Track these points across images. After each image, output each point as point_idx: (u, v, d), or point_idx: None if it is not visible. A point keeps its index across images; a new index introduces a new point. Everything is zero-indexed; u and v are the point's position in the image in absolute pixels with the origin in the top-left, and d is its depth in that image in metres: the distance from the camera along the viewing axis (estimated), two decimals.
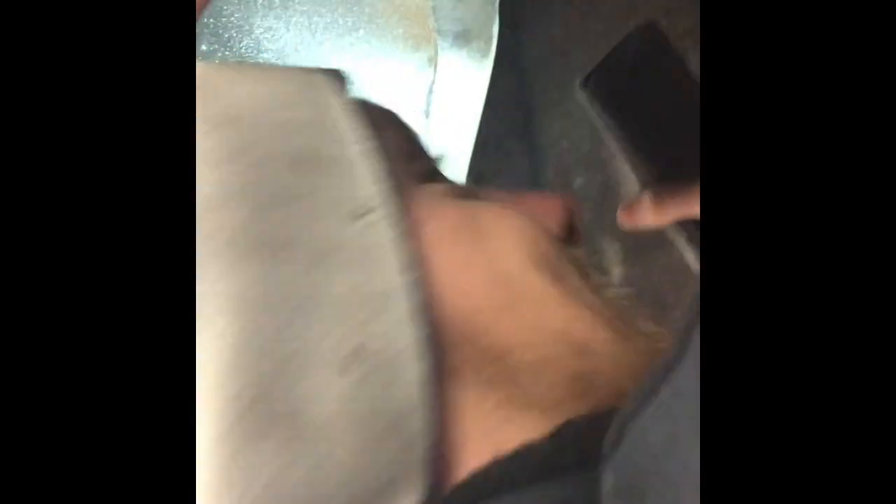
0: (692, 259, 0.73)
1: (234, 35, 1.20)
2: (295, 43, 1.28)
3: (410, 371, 0.47)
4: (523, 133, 2.56)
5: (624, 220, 0.79)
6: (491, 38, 1.39)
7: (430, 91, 1.44)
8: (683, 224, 0.70)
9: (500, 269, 0.55)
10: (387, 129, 0.59)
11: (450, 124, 1.50)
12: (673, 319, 2.03)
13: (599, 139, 2.27)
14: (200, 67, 0.56)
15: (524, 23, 2.60)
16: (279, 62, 1.25)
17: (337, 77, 0.61)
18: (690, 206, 0.69)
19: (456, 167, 1.64)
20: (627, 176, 0.96)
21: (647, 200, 0.72)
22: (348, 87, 0.61)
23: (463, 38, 1.39)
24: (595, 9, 2.33)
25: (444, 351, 0.50)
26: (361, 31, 1.32)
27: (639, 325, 0.61)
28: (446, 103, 1.46)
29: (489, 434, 0.50)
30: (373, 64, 1.37)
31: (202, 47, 1.16)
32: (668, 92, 0.72)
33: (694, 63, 0.68)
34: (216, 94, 0.55)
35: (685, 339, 0.42)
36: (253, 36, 1.21)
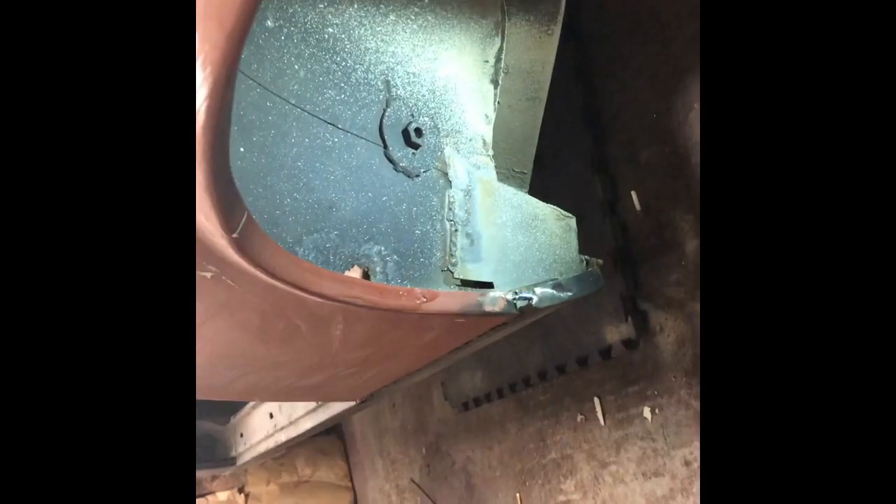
0: None
1: (299, 10, 1.16)
2: (360, 16, 1.24)
3: None
4: (584, 107, 2.49)
5: None
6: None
7: (498, 59, 1.39)
8: None
9: None
10: None
11: (517, 94, 1.44)
12: None
13: (666, 107, 2.19)
14: None
15: None
16: (344, 36, 1.21)
17: None
18: None
19: (520, 152, 1.57)
20: None
21: None
22: None
23: (530, 0, 1.33)
24: None
25: None
26: (426, 0, 1.27)
27: None
28: (515, 70, 1.40)
29: None
30: (439, 32, 1.32)
31: (267, 23, 1.12)
32: None
33: None
34: None
35: None
36: (317, 9, 1.17)
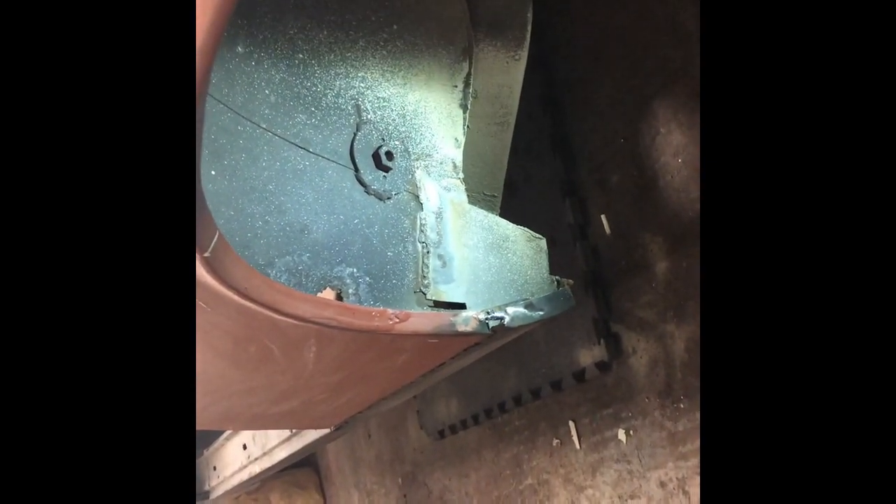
0: None
1: (269, 36, 1.17)
2: (329, 42, 1.25)
3: None
4: (553, 133, 2.52)
5: None
6: (525, 24, 1.36)
7: (467, 84, 1.41)
8: None
9: None
10: None
11: (488, 119, 1.47)
12: None
13: (632, 132, 2.23)
14: None
15: (550, 23, 2.58)
16: (314, 62, 1.22)
17: None
18: None
19: (490, 176, 1.59)
20: None
21: None
22: None
23: (496, 26, 1.36)
24: (621, 4, 2.31)
25: None
26: (395, 26, 1.29)
27: None
28: (484, 94, 1.43)
29: None
30: (407, 58, 1.34)
31: (238, 48, 1.13)
32: None
33: None
34: None
35: None
36: (287, 35, 1.19)
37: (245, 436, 2.73)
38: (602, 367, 2.42)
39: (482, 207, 1.51)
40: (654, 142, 2.23)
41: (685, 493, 2.22)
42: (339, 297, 1.18)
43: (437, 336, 1.21)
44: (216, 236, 0.82)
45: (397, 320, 1.13)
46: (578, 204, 2.50)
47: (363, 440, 4.56)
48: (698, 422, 2.14)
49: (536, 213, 2.53)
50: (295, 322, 1.04)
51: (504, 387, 2.87)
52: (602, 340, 2.38)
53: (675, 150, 2.16)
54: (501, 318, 1.28)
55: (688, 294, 2.17)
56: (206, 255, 0.81)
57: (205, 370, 1.26)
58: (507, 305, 1.32)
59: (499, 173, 1.56)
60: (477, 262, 1.35)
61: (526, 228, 1.47)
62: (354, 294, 1.19)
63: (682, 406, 2.21)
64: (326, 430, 2.02)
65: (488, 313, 1.28)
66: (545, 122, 2.50)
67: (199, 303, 0.98)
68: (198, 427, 1.77)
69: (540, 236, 1.48)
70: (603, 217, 2.44)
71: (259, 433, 2.57)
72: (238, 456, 2.88)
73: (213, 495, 3.51)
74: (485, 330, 1.27)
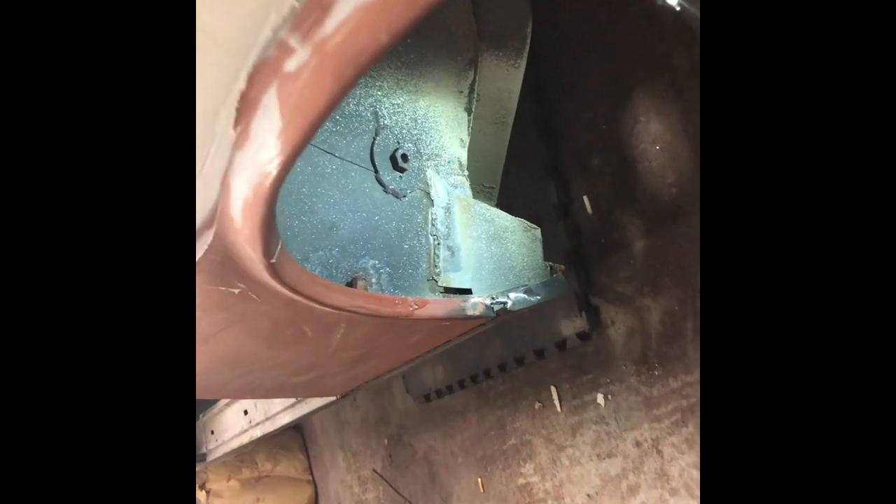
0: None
1: None
2: None
3: None
4: (539, 117, 2.68)
5: None
6: (525, 37, 1.51)
7: (472, 90, 1.56)
8: None
9: None
10: None
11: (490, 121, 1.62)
12: (695, 286, 2.14)
13: (614, 119, 2.39)
14: None
15: (537, 13, 2.71)
16: None
17: None
18: None
19: (489, 170, 1.74)
20: None
21: None
22: None
23: (499, 38, 1.51)
24: None
25: None
26: (409, 40, 1.44)
27: None
28: (486, 98, 1.58)
29: None
30: (419, 68, 1.48)
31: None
32: None
33: None
34: None
35: None
36: None
37: (247, 402, 2.89)
38: (583, 336, 2.61)
39: (482, 198, 1.68)
40: (634, 130, 2.40)
41: (658, 451, 2.43)
42: (361, 285, 1.34)
43: (449, 319, 1.38)
44: (279, 245, 0.97)
45: (416, 307, 1.30)
46: (562, 185, 2.66)
47: (348, 404, 4.71)
48: (671, 387, 2.35)
49: (523, 192, 2.68)
50: (331, 310, 1.19)
51: (490, 355, 3.04)
52: (583, 312, 2.57)
53: (654, 137, 2.33)
54: (504, 303, 1.45)
55: (663, 270, 2.36)
56: (272, 261, 0.97)
57: (241, 349, 1.42)
58: (508, 291, 1.49)
59: (497, 167, 1.72)
60: (481, 251, 1.52)
61: (523, 220, 1.63)
62: (377, 283, 1.35)
63: (656, 373, 2.42)
64: (332, 398, 2.20)
65: (493, 298, 1.45)
66: (532, 107, 2.65)
67: (251, 294, 1.13)
68: (219, 397, 1.92)
69: (535, 227, 1.65)
70: (585, 198, 2.61)
71: (262, 400, 2.73)
72: (239, 421, 3.04)
73: (210, 458, 3.66)
74: (490, 313, 1.44)
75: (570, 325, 2.62)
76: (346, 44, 0.55)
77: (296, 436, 5.51)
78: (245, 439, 3.03)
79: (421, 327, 1.40)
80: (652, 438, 2.45)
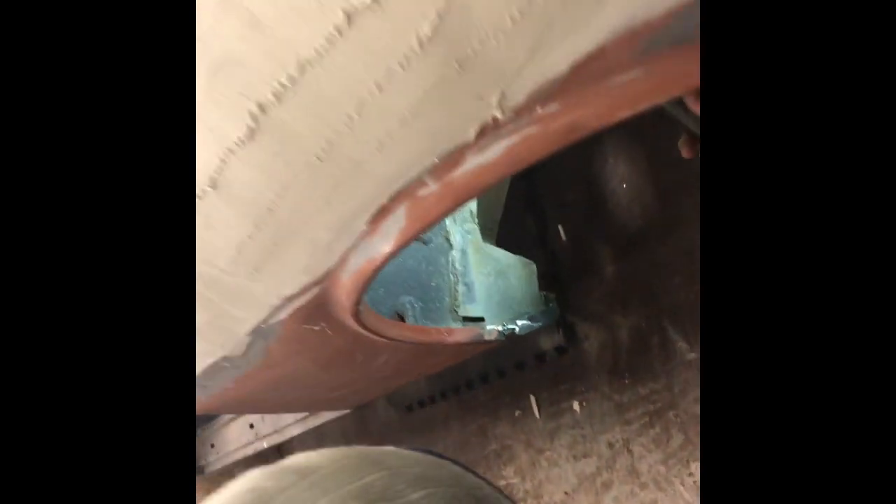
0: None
1: None
2: None
3: None
4: None
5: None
6: None
7: None
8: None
9: None
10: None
11: None
12: (660, 305, 2.48)
13: (586, 157, 2.72)
14: None
15: None
16: None
17: None
18: None
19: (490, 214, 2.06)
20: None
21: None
22: None
23: None
24: None
25: None
26: None
27: None
28: None
29: None
30: None
31: None
32: None
33: None
34: None
35: None
36: None
37: (254, 416, 3.13)
38: (560, 350, 2.92)
39: (485, 236, 2.00)
40: (604, 169, 2.73)
41: (629, 451, 2.75)
42: (402, 319, 1.64)
43: (470, 344, 1.70)
44: (364, 297, 1.28)
45: (448, 335, 1.61)
46: (538, 216, 2.97)
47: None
48: (640, 394, 2.67)
49: (503, 222, 2.99)
50: (385, 340, 1.50)
51: (472, 367, 3.30)
52: (560, 329, 2.88)
53: (621, 177, 2.67)
54: (513, 329, 1.77)
55: (631, 291, 2.69)
56: (359, 308, 1.27)
57: (298, 372, 1.71)
58: (515, 318, 1.81)
59: (497, 211, 2.04)
60: (490, 285, 1.84)
61: (521, 257, 1.96)
62: (412, 316, 1.66)
63: (626, 382, 2.74)
64: (346, 411, 2.48)
65: (504, 325, 1.77)
66: None
67: (327, 331, 1.43)
68: (259, 412, 2.19)
69: (531, 262, 1.98)
70: (560, 227, 2.93)
71: (269, 414, 2.98)
72: (244, 434, 3.28)
73: (207, 471, 3.87)
74: (501, 338, 1.76)
75: (549, 340, 2.93)
76: (467, 184, 0.86)
77: (271, 450, 5.67)
78: (250, 451, 3.26)
79: (447, 350, 1.71)
80: (623, 439, 2.76)
